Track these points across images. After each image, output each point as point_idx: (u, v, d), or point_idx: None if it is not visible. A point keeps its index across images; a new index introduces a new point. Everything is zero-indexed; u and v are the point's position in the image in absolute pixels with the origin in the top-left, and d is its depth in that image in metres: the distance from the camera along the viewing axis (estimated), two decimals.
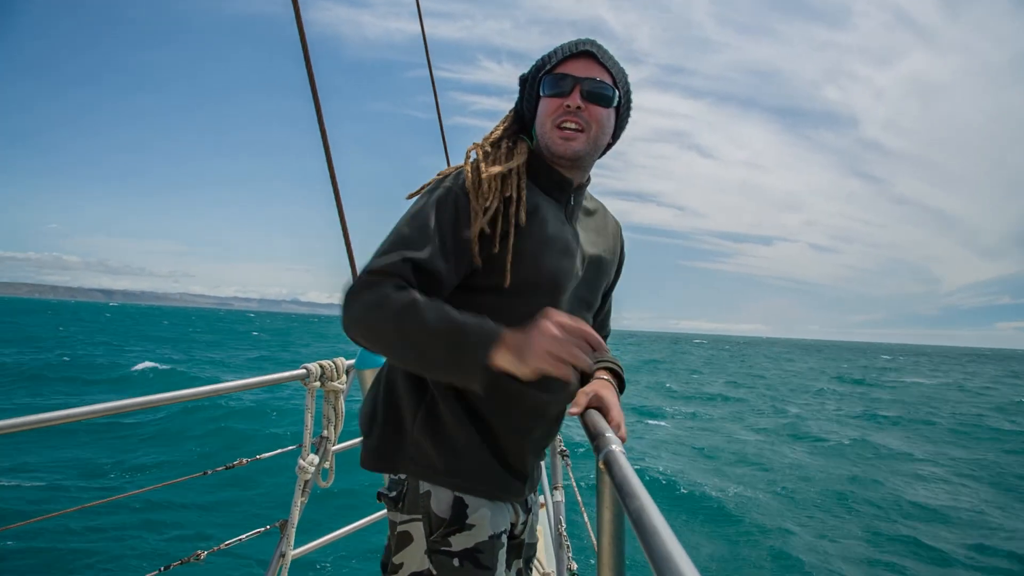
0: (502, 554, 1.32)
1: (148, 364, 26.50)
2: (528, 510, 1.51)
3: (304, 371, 2.41)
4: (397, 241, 1.20)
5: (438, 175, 1.35)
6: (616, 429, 1.16)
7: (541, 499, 3.84)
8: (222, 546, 2.29)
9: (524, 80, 1.40)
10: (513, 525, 1.44)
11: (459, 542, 1.26)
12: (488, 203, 1.22)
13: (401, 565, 1.29)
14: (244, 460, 2.47)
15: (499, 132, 1.40)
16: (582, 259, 1.39)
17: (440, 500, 1.27)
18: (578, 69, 1.31)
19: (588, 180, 1.45)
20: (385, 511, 1.43)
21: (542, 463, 1.48)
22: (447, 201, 1.24)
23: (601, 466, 0.90)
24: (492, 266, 1.25)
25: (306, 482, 2.42)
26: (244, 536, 2.37)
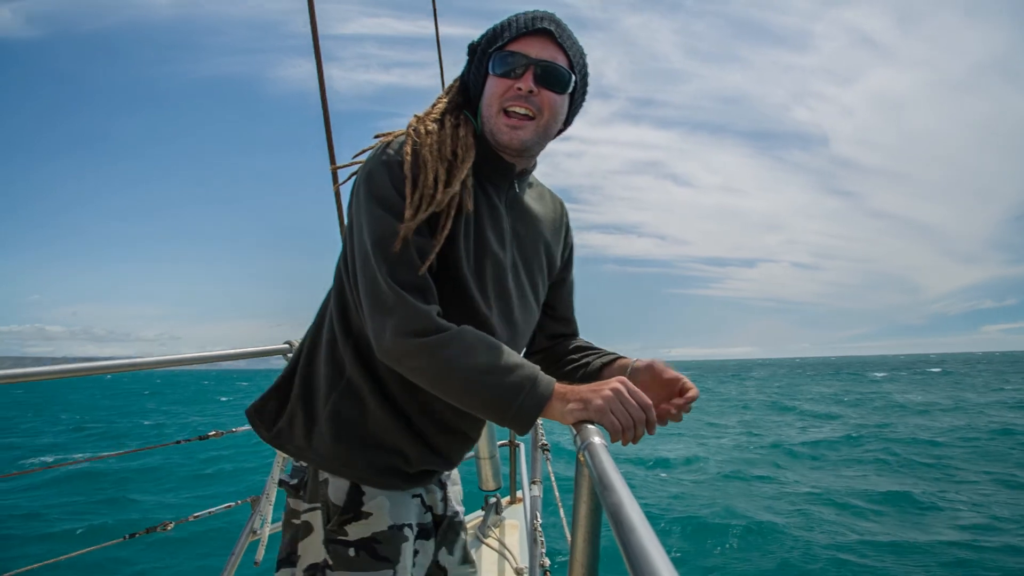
0: (406, 547, 1.25)
1: None
2: (443, 485, 1.45)
3: (287, 345, 2.37)
4: (391, 239, 1.11)
5: (378, 136, 1.26)
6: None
7: (519, 494, 3.81)
8: (191, 518, 2.25)
9: (473, 49, 1.28)
10: (431, 507, 1.38)
11: (355, 531, 1.21)
12: (435, 195, 1.14)
13: (299, 556, 1.24)
14: (220, 432, 2.43)
15: (443, 105, 1.28)
16: (522, 256, 1.32)
17: (337, 487, 1.22)
18: (533, 48, 1.19)
19: (534, 165, 1.36)
20: None
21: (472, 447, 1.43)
22: (394, 178, 1.15)
23: (580, 458, 0.86)
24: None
25: (284, 459, 2.38)
26: (214, 509, 2.34)
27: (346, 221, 1.26)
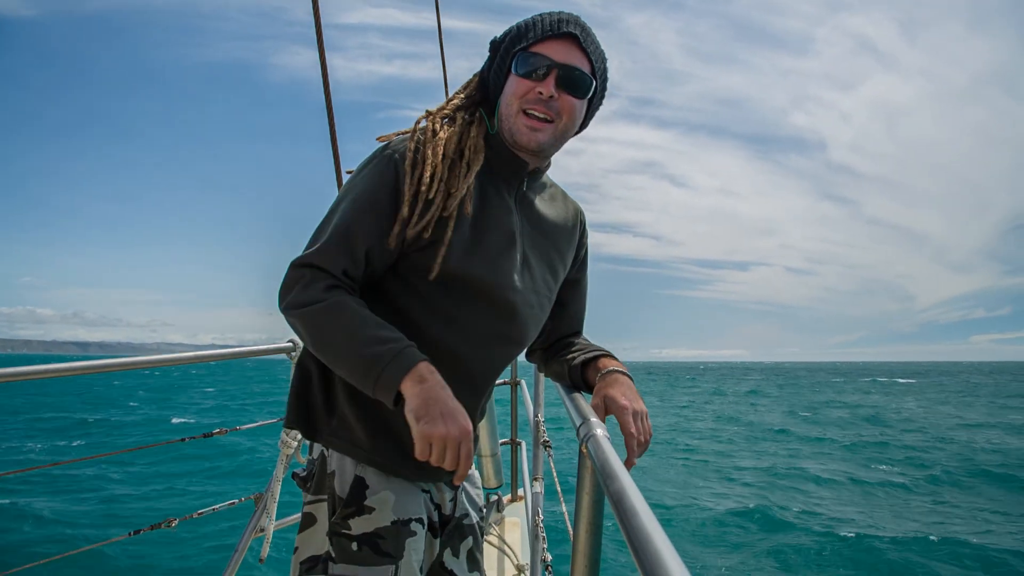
0: (411, 543, 1.24)
1: None
2: (455, 486, 1.43)
3: (291, 344, 2.39)
4: (330, 228, 1.17)
5: (380, 140, 1.26)
6: (635, 429, 1.16)
7: (521, 491, 3.83)
8: (195, 515, 2.27)
9: (496, 46, 1.27)
10: (439, 505, 1.38)
11: (359, 525, 1.20)
12: (429, 191, 1.16)
13: (297, 548, 1.24)
14: (224, 430, 2.44)
15: (458, 100, 1.30)
16: (532, 250, 1.32)
17: (343, 481, 1.23)
18: (557, 52, 1.20)
19: (547, 165, 1.37)
20: None
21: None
22: (385, 175, 1.18)
23: (583, 450, 0.87)
24: (422, 253, 1.19)
25: (288, 456, 2.40)
26: (218, 506, 2.35)
27: None
